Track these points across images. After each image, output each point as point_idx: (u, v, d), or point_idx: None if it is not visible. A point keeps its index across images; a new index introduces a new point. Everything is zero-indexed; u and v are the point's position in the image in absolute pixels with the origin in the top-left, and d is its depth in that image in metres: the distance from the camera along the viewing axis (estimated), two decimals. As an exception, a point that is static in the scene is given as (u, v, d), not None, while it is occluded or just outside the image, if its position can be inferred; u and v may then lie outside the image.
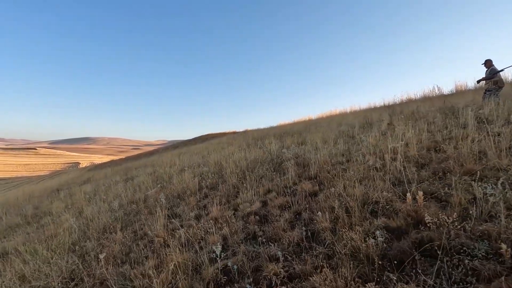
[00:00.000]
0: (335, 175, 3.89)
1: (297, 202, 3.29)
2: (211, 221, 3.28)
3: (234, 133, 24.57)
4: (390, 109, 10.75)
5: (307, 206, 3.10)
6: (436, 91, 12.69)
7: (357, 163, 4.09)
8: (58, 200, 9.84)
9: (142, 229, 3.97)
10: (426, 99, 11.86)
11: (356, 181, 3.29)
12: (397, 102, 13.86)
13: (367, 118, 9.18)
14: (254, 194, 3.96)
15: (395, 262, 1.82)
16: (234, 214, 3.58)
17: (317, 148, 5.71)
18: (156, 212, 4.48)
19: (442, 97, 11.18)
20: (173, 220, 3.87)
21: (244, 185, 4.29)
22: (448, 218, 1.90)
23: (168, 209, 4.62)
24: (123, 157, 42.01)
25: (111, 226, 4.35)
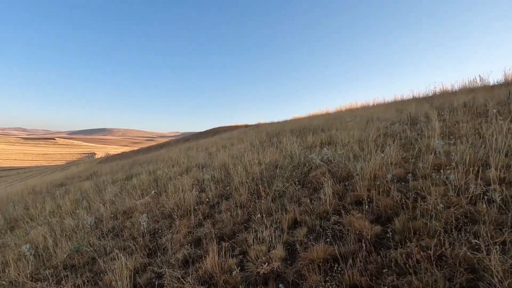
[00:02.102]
0: (404, 203, 2.41)
1: (353, 257, 1.85)
2: (201, 286, 1.90)
3: (246, 126, 23.17)
4: (428, 102, 8.94)
5: (374, 275, 1.67)
6: (478, 82, 10.61)
7: (436, 184, 2.58)
8: (52, 199, 8.94)
9: (104, 273, 2.67)
10: (467, 91, 9.88)
11: (462, 226, 1.81)
12: (430, 95, 11.96)
13: (404, 112, 7.45)
14: (274, 229, 2.55)
15: None
16: (240, 267, 2.19)
17: (353, 151, 4.20)
18: (130, 246, 3.21)
19: (489, 88, 9.20)
20: (149, 267, 2.55)
21: (258, 215, 2.85)
22: None
23: (151, 236, 3.33)
24: (136, 148, 41.89)
25: (70, 263, 3.10)
